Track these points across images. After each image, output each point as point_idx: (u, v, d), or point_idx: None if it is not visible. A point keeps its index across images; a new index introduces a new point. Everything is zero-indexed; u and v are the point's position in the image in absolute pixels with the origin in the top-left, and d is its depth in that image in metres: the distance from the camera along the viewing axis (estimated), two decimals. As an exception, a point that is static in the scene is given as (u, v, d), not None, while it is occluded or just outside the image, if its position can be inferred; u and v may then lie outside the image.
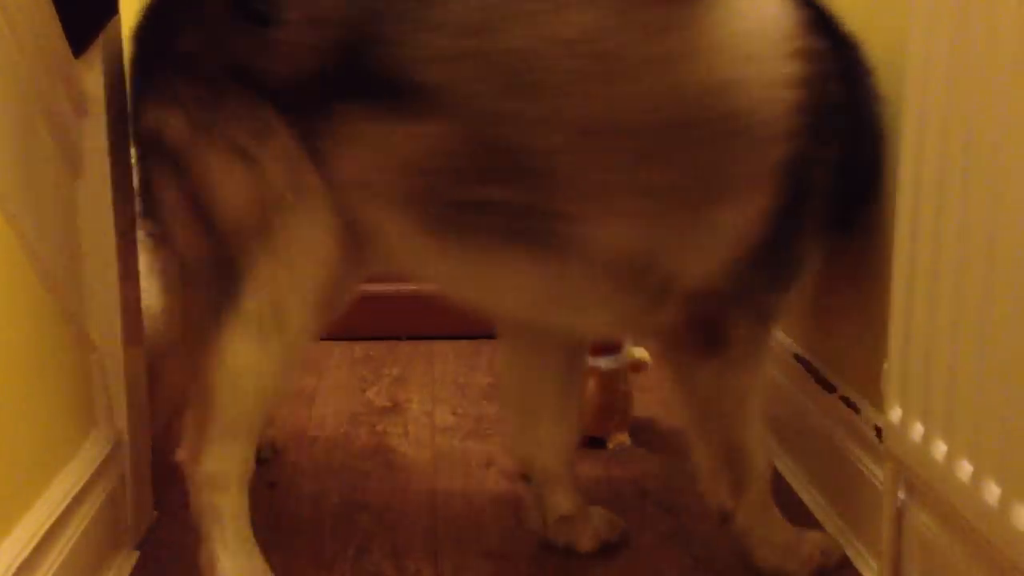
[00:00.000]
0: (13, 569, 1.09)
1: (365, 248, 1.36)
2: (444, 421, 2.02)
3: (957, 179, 1.12)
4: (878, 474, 1.42)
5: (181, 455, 1.44)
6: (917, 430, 1.21)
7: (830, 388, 1.63)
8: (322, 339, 2.40)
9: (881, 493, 1.38)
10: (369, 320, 2.47)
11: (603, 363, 1.84)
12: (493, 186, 1.25)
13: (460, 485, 1.74)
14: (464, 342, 2.41)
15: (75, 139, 1.36)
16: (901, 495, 1.34)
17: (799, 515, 1.61)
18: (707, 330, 1.32)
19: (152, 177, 1.35)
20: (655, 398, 2.01)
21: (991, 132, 1.05)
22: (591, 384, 1.83)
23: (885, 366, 1.31)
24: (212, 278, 1.30)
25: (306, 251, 1.29)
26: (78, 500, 1.30)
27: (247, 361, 1.30)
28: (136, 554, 1.49)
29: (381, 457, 1.84)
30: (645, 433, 1.92)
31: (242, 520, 1.36)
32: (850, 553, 1.48)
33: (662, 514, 1.62)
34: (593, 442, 1.85)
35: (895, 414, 1.27)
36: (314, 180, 1.27)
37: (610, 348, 1.84)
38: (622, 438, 1.87)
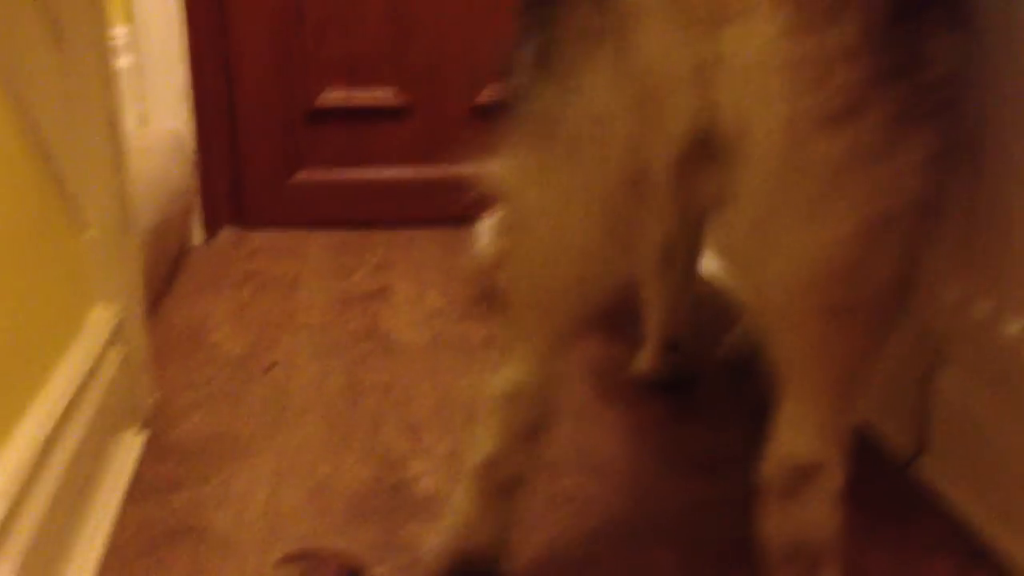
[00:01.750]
0: (31, 456, 1.03)
1: None
2: (436, 304, 1.97)
3: None
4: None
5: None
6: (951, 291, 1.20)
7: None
8: (294, 227, 2.37)
9: (905, 360, 1.38)
10: (342, 207, 2.41)
11: None
12: None
13: (464, 364, 1.70)
14: (442, 229, 2.35)
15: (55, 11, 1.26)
16: (929, 358, 1.33)
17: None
18: None
19: None
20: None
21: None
22: None
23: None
24: None
25: None
26: (86, 382, 1.24)
27: None
28: (145, 432, 1.43)
29: (379, 339, 1.79)
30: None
31: None
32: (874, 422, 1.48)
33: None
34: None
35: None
36: None
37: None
38: None
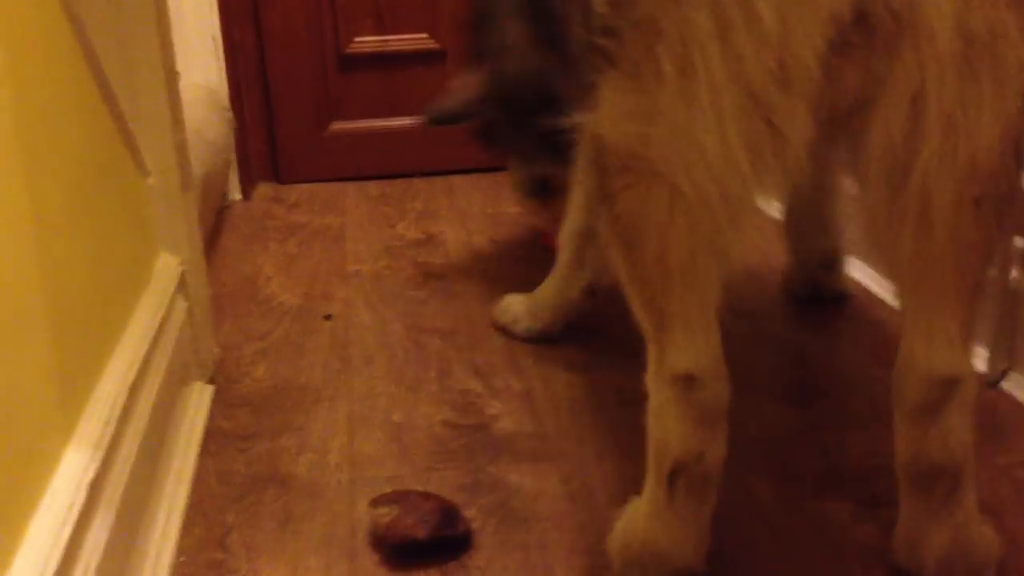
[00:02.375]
0: (118, 405, 1.01)
1: None
2: (485, 249, 1.94)
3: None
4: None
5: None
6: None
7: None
8: (332, 180, 2.33)
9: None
10: (380, 158, 2.37)
11: None
12: None
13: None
14: (482, 175, 2.31)
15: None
16: (1014, 272, 1.30)
17: (893, 315, 1.58)
18: None
19: None
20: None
21: None
22: None
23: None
24: None
25: None
26: (160, 330, 1.21)
27: None
28: (211, 387, 1.41)
29: (432, 286, 1.76)
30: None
31: None
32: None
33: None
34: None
35: (1022, 183, 1.21)
36: None
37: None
38: None
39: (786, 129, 0.83)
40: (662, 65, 0.82)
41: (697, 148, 0.83)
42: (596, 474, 1.19)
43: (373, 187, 2.33)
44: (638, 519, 0.98)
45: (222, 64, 2.22)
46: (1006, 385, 1.32)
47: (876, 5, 0.80)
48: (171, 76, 1.32)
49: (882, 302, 1.60)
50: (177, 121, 1.34)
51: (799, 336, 1.51)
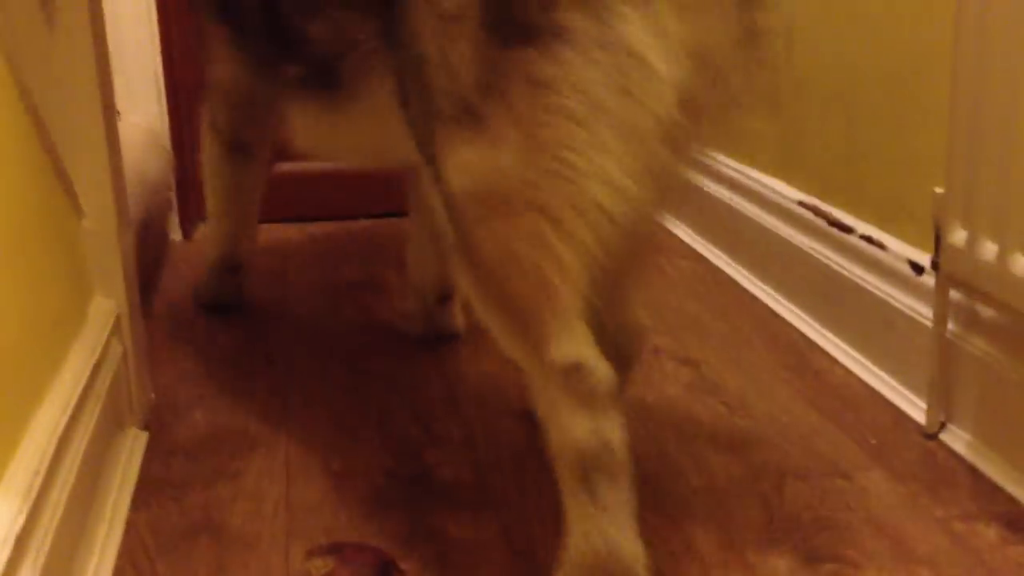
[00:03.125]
0: (48, 453, 0.98)
1: None
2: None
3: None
4: (917, 309, 1.40)
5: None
6: (988, 248, 1.18)
7: (847, 229, 1.60)
8: (274, 221, 2.31)
9: (920, 328, 1.37)
10: (322, 201, 2.36)
11: None
12: None
13: (469, 352, 1.66)
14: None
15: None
16: (951, 325, 1.32)
17: (833, 366, 1.59)
18: None
19: None
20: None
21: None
22: None
23: (937, 191, 1.27)
24: None
25: None
26: (93, 375, 1.18)
27: None
28: (145, 434, 1.38)
29: (376, 330, 1.75)
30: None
31: None
32: (891, 395, 1.47)
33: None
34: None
35: (958, 236, 1.23)
36: None
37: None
38: None
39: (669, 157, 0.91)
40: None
41: (584, 185, 0.88)
42: (537, 527, 1.17)
43: (317, 227, 2.31)
44: (577, 546, 0.95)
45: (163, 103, 2.20)
46: (944, 437, 1.34)
47: None
48: (110, 115, 1.30)
49: (822, 351, 1.62)
50: (115, 161, 1.32)
51: (739, 384, 1.52)
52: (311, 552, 1.07)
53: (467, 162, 0.93)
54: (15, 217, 1.03)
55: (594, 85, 0.87)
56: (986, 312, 1.26)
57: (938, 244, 1.28)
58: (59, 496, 0.99)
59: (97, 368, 1.21)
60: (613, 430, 0.94)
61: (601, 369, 0.94)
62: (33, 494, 0.91)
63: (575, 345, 0.93)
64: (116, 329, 1.32)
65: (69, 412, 1.06)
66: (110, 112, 1.31)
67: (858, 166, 1.59)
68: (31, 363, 1.04)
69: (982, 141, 1.17)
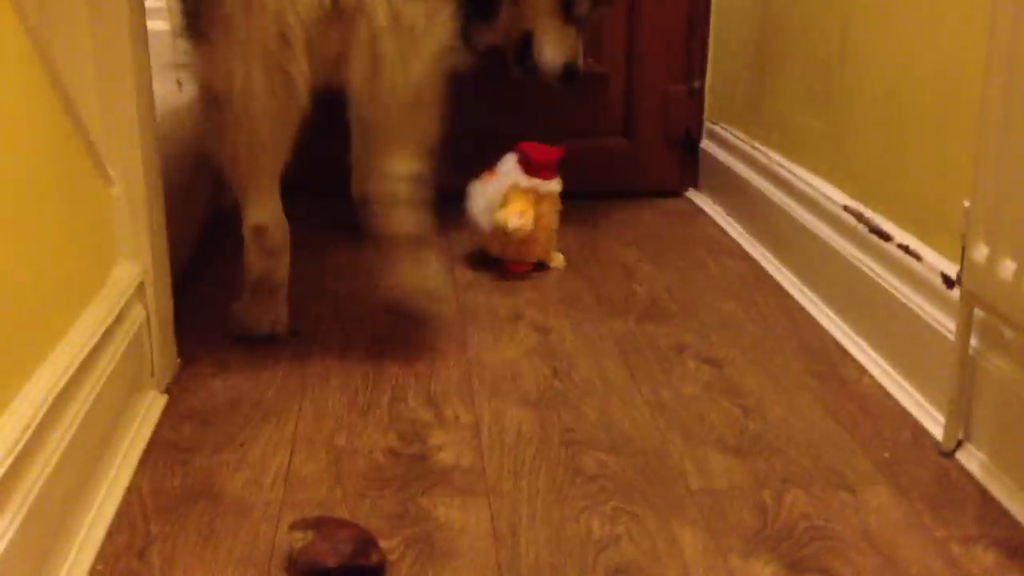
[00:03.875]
0: (42, 409, 1.01)
1: None
2: (464, 277, 1.94)
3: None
4: (945, 323, 1.36)
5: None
6: (1007, 267, 1.14)
7: (885, 237, 1.56)
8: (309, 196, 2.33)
9: (947, 343, 1.33)
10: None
11: (554, 186, 1.93)
12: None
13: (490, 338, 1.67)
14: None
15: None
16: (974, 341, 1.28)
17: (862, 375, 1.56)
18: None
19: None
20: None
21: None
22: (547, 207, 1.93)
23: (966, 204, 1.23)
24: None
25: None
26: (105, 339, 1.22)
27: None
28: (164, 397, 1.41)
29: (404, 314, 1.75)
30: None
31: None
32: (915, 410, 1.43)
33: (707, 366, 1.56)
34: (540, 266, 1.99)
35: (980, 252, 1.20)
36: None
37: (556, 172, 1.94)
38: (560, 256, 2.01)
39: (292, 72, 1.40)
40: (218, 31, 1.39)
41: (242, 84, 1.40)
42: (524, 514, 1.17)
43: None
44: (240, 308, 1.61)
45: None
46: (960, 456, 1.30)
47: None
48: (143, 86, 1.33)
49: (854, 359, 1.58)
50: (146, 131, 1.35)
51: (759, 387, 1.50)
52: (294, 525, 1.09)
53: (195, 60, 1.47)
54: (36, 183, 1.06)
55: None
56: (1008, 331, 1.23)
57: (963, 259, 1.24)
58: (52, 451, 1.02)
59: (111, 331, 1.24)
60: (276, 268, 1.59)
61: (276, 232, 1.55)
62: (18, 450, 0.94)
63: (261, 214, 1.52)
64: (139, 294, 1.35)
65: (71, 371, 1.09)
66: (144, 84, 1.34)
67: (899, 173, 1.55)
68: (38, 323, 1.07)
69: (1008, 157, 1.13)
